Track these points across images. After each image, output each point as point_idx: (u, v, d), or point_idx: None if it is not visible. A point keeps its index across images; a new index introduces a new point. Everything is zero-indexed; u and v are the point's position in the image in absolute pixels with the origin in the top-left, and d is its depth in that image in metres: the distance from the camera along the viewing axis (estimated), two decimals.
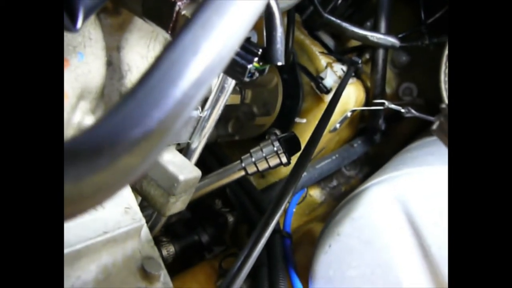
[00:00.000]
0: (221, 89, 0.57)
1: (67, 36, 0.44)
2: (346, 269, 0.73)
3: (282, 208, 0.60)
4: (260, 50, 0.40)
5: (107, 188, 0.22)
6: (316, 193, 1.33)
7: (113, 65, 0.53)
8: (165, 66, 0.23)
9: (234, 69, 0.40)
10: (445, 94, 1.01)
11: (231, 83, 0.58)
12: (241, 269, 0.49)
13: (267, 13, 0.40)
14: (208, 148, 1.06)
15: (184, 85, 0.23)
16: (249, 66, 0.40)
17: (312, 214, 1.30)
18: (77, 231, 0.44)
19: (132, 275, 0.48)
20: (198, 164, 1.00)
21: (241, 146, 1.11)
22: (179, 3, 0.42)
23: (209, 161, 0.99)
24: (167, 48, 0.24)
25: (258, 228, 0.58)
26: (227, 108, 1.00)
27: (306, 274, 0.81)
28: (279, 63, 0.41)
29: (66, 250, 0.41)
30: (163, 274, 0.51)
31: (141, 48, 0.57)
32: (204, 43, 0.24)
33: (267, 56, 0.41)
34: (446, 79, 1.01)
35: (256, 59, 0.40)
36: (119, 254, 0.48)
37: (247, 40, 0.41)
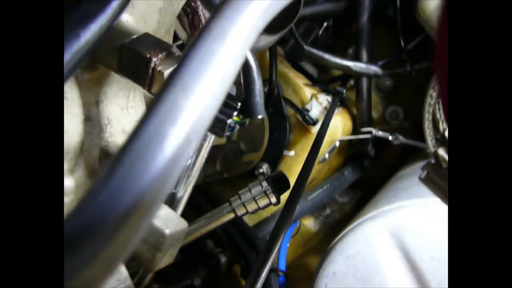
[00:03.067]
0: (204, 137, 0.56)
1: None
2: None
3: (277, 248, 0.59)
4: (239, 104, 0.39)
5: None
6: (309, 223, 1.31)
7: (92, 120, 0.52)
8: (141, 142, 0.22)
9: (214, 124, 0.39)
10: (426, 116, 1.00)
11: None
12: None
13: (245, 67, 0.39)
14: (198, 187, 1.05)
15: (159, 165, 0.21)
16: (229, 121, 0.39)
17: (307, 245, 1.28)
18: None
19: None
20: (189, 204, 0.99)
21: (231, 182, 1.10)
22: (154, 59, 0.41)
23: (199, 201, 0.98)
24: (141, 121, 0.23)
25: (254, 270, 0.57)
26: (214, 148, 1.00)
27: None
28: (260, 116, 0.40)
29: None
30: None
31: (121, 99, 0.55)
32: (183, 110, 0.23)
33: (247, 110, 0.40)
34: (431, 101, 1.01)
35: (235, 113, 0.39)
36: None
37: (228, 95, 0.40)
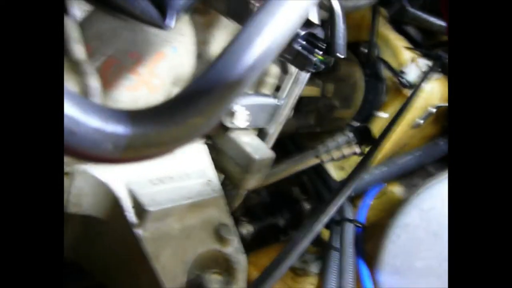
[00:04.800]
0: (296, 80, 0.63)
1: (163, 32, 0.53)
2: (414, 260, 0.75)
3: (345, 195, 0.64)
4: (325, 44, 0.45)
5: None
6: (398, 190, 1.31)
7: (202, 58, 0.62)
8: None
9: (300, 61, 0.46)
10: None
11: (305, 75, 0.63)
12: (291, 252, 0.54)
13: (330, 12, 0.45)
14: (290, 137, 1.12)
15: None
16: (314, 58, 0.45)
17: (392, 211, 1.30)
18: (166, 195, 0.54)
19: (209, 237, 0.57)
20: (280, 151, 1.07)
21: (321, 137, 1.15)
22: (256, 4, 0.48)
23: (290, 148, 1.06)
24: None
25: (317, 212, 0.63)
26: (309, 101, 1.06)
27: (374, 263, 0.83)
28: (341, 56, 0.46)
29: (157, 208, 0.51)
30: (236, 240, 0.58)
31: (225, 42, 0.64)
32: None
33: (331, 50, 0.46)
34: None
35: (320, 52, 0.45)
36: (199, 218, 0.56)
37: (313, 35, 0.46)
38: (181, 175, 0.57)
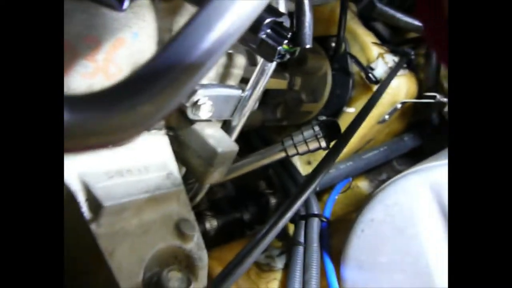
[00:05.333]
0: (261, 71, 0.61)
1: (124, 18, 0.50)
2: (377, 255, 0.75)
3: (310, 189, 0.63)
4: (290, 33, 0.44)
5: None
6: (364, 185, 1.33)
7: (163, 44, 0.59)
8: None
9: (265, 50, 0.44)
10: None
11: (271, 66, 0.61)
12: (254, 247, 0.53)
13: (298, 0, 0.43)
14: (257, 131, 1.11)
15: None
16: (279, 48, 0.43)
17: (358, 205, 1.31)
18: (123, 189, 0.51)
19: (169, 233, 0.54)
20: (246, 144, 1.05)
21: (288, 131, 1.15)
22: None
23: (255, 141, 1.04)
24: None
25: (283, 207, 0.62)
26: (276, 93, 1.05)
27: (339, 258, 0.83)
28: (307, 46, 0.44)
29: (112, 202, 0.48)
30: (197, 236, 0.56)
31: None
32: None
33: (297, 39, 0.44)
34: None
35: (285, 41, 0.43)
36: (158, 213, 0.54)
37: (279, 24, 0.44)
38: (140, 167, 0.54)
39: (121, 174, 0.52)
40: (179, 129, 0.60)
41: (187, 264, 0.55)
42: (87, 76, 0.50)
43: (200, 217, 0.94)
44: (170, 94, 0.26)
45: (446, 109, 1.11)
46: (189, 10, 0.60)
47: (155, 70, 0.25)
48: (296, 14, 0.44)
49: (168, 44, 0.26)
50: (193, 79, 0.26)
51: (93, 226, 0.48)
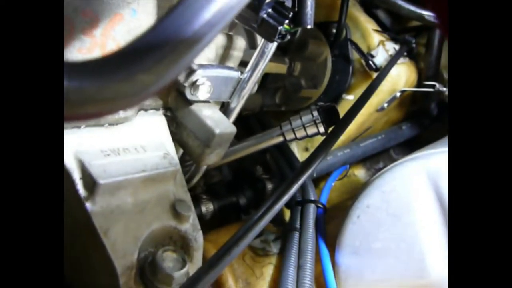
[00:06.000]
0: (261, 53, 0.61)
1: None
2: (372, 241, 0.75)
3: (308, 173, 0.62)
4: (291, 13, 0.43)
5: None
6: (361, 173, 1.33)
7: None
8: None
9: (266, 29, 0.43)
10: None
11: (271, 48, 0.61)
12: (249, 230, 0.52)
13: None
14: (255, 115, 1.10)
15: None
16: (280, 27, 0.43)
17: (354, 193, 1.31)
18: (119, 167, 0.51)
19: (165, 213, 0.54)
20: (245, 128, 1.05)
21: (287, 117, 1.14)
22: None
23: (253, 126, 1.04)
24: None
25: (279, 190, 0.61)
26: (275, 78, 1.04)
27: (335, 244, 0.83)
28: (308, 26, 0.44)
29: (108, 180, 0.47)
30: (193, 217, 0.56)
31: None
32: None
33: (298, 19, 0.43)
34: None
35: (286, 21, 0.43)
36: (154, 192, 0.54)
37: (281, 4, 0.44)
38: (137, 146, 0.54)
39: (118, 152, 0.52)
40: (177, 110, 0.59)
41: (182, 245, 0.55)
42: (84, 51, 0.49)
43: (196, 201, 0.94)
44: (169, 64, 0.25)
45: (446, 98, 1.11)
46: None
47: (155, 40, 0.25)
48: None
49: (168, 14, 0.26)
50: (193, 51, 0.26)
51: (88, 204, 0.48)
